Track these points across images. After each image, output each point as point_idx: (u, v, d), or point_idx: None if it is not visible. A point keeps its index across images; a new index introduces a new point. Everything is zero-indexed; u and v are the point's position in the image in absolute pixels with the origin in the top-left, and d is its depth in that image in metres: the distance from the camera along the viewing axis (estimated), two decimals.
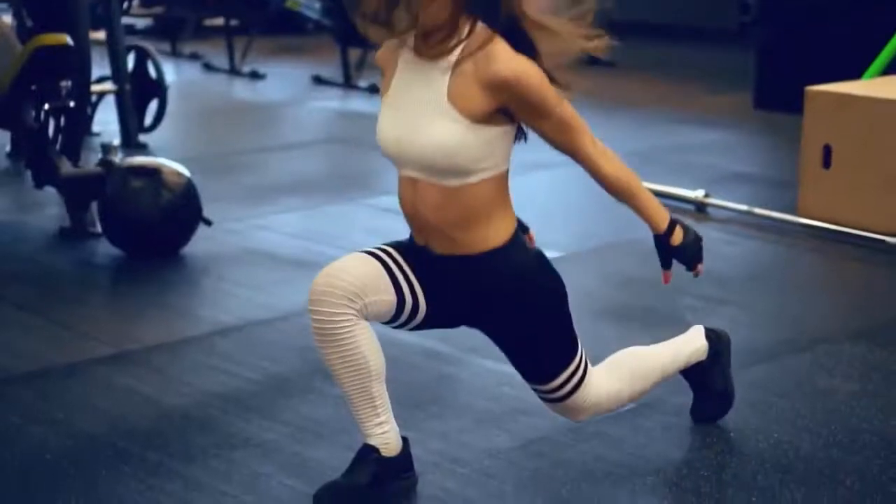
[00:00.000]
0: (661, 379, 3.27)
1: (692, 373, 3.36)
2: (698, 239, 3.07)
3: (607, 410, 3.18)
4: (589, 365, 3.07)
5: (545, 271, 2.96)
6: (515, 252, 2.89)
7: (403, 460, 3.00)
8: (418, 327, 2.98)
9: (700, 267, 3.09)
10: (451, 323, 3.01)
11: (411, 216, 2.90)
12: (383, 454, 2.95)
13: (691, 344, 3.34)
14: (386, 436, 2.96)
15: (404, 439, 3.02)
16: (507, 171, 2.88)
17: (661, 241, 3.03)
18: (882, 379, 3.74)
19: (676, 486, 3.07)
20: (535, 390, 3.08)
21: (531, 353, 3.00)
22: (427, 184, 2.81)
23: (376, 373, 2.89)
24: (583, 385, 3.04)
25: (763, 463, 3.19)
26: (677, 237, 3.02)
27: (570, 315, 3.00)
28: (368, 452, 2.95)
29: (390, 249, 2.93)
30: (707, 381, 3.38)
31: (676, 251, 3.03)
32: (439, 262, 2.89)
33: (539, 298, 2.93)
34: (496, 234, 2.87)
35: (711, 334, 3.39)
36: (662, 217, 3.01)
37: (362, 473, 2.93)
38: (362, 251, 2.91)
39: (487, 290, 2.90)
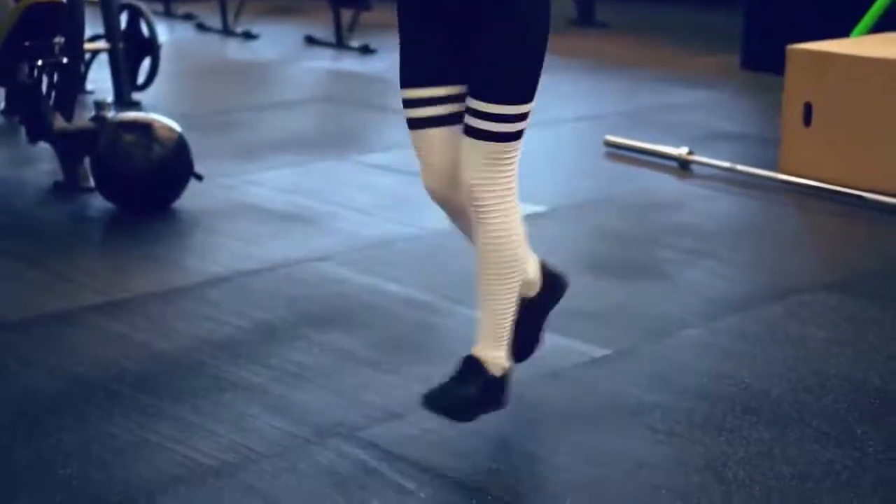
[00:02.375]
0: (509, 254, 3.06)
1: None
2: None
3: (497, 218, 2.97)
4: (518, 161, 3.01)
5: None
6: None
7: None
8: None
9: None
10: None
11: None
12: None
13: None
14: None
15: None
16: None
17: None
18: (853, 327, 3.85)
19: (649, 428, 3.18)
20: (478, 118, 2.92)
21: (505, 58, 2.91)
22: None
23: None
24: (517, 144, 2.95)
25: (734, 406, 3.30)
26: None
27: (544, 53, 2.97)
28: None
29: (424, 94, 2.97)
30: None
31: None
32: None
33: (531, 7, 2.91)
34: None
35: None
36: None
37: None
38: (422, 128, 2.99)
39: None
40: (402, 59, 3.05)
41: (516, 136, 2.95)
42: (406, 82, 3.02)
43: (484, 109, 2.91)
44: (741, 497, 2.83)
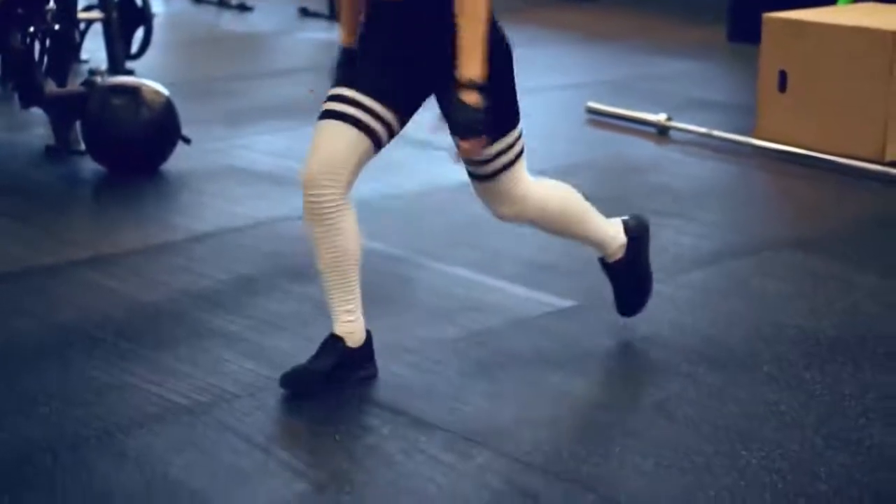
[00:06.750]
0: (577, 231, 3.47)
1: (611, 269, 3.53)
2: (480, 114, 2.99)
3: (530, 218, 3.34)
4: (524, 158, 3.27)
5: (495, 28, 3.08)
6: None
7: (365, 352, 3.23)
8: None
9: (467, 145, 3.03)
10: (418, 97, 3.16)
11: None
12: (347, 344, 3.18)
13: (613, 233, 3.53)
14: (352, 325, 3.18)
15: (368, 333, 3.24)
16: None
17: (453, 86, 2.99)
18: (812, 282, 3.99)
19: (607, 371, 3.33)
20: (469, 164, 3.19)
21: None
22: None
23: (354, 257, 3.15)
24: (514, 168, 3.22)
25: (690, 353, 3.44)
26: (469, 96, 2.97)
27: (514, 81, 3.15)
28: (334, 341, 3.19)
29: (350, 94, 3.10)
30: (625, 276, 3.55)
31: (456, 107, 2.99)
32: (401, 14, 3.08)
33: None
34: None
35: (633, 233, 3.55)
36: (474, 65, 2.96)
37: (326, 360, 3.17)
38: (330, 119, 3.09)
39: (444, 28, 3.00)
40: (344, 62, 3.25)
41: (514, 161, 3.25)
42: (350, 84, 3.13)
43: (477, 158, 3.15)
44: (688, 433, 2.97)
